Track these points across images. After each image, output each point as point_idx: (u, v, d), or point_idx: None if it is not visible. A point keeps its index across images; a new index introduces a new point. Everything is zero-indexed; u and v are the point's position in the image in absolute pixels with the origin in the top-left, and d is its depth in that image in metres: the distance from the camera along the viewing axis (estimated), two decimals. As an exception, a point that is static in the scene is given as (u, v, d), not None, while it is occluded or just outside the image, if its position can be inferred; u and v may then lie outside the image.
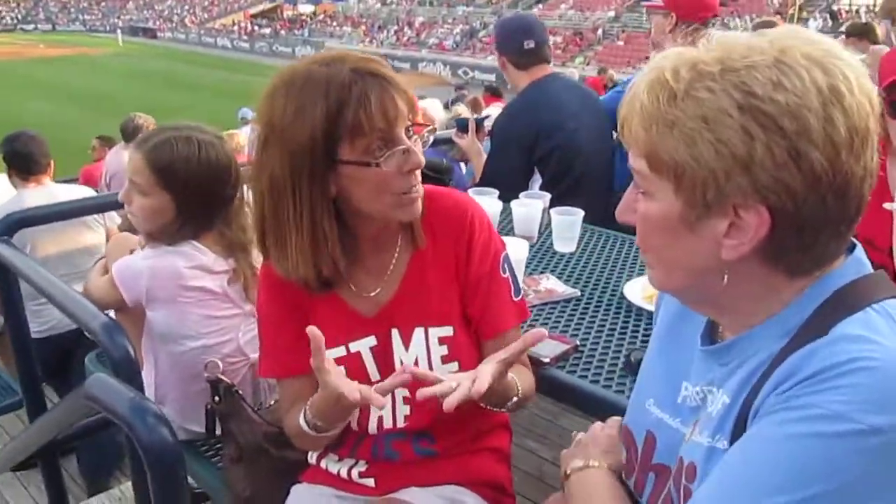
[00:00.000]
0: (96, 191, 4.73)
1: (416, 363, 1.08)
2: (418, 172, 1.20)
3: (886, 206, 1.59)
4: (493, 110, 4.40)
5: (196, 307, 1.69)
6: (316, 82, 1.12)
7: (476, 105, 7.14)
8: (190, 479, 1.65)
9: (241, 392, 1.60)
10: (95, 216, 3.35)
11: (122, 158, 5.12)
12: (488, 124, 3.04)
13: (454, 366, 1.27)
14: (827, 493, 0.68)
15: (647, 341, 1.56)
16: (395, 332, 1.29)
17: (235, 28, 56.87)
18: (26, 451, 2.27)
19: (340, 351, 1.28)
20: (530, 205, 2.19)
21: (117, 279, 1.68)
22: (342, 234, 1.21)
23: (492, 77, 24.69)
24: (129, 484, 2.65)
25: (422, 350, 1.28)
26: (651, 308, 1.69)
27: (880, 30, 4.18)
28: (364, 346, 1.29)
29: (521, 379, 1.25)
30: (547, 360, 1.47)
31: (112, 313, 1.71)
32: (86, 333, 1.67)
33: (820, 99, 0.71)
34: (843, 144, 0.72)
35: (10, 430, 3.41)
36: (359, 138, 1.12)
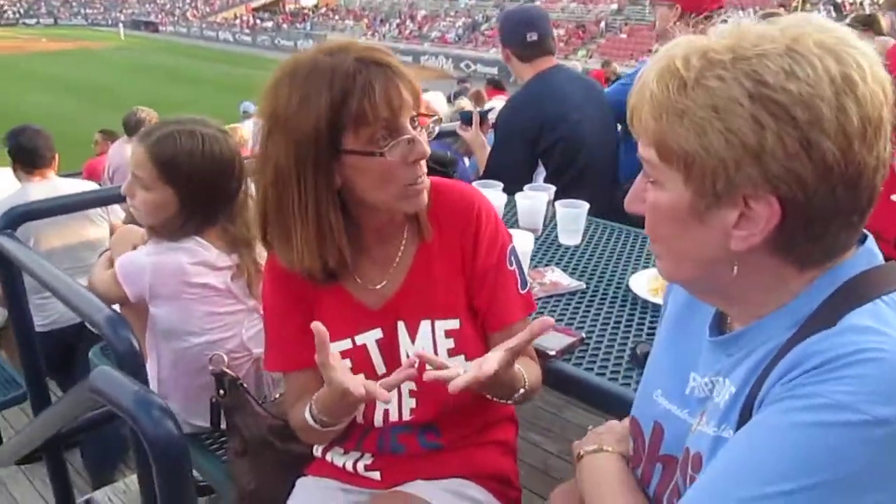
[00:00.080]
0: (99, 185, 4.73)
1: (422, 364, 1.08)
2: (424, 163, 1.19)
3: (894, 197, 1.58)
4: (497, 103, 4.38)
5: (199, 304, 1.68)
6: (320, 72, 1.11)
7: (479, 98, 7.12)
8: (194, 472, 1.65)
9: (245, 385, 1.60)
10: (99, 211, 3.35)
11: (124, 152, 5.12)
12: (492, 117, 3.03)
13: (460, 359, 1.26)
14: (830, 483, 0.68)
15: (652, 334, 1.56)
16: (401, 325, 1.29)
17: (237, 22, 56.85)
18: (31, 444, 2.27)
19: (346, 343, 1.28)
20: (535, 197, 2.18)
21: (120, 275, 1.67)
22: (347, 226, 1.20)
23: (494, 70, 24.66)
24: (134, 477, 2.65)
25: (428, 343, 1.28)
26: (656, 301, 1.68)
27: (885, 21, 4.16)
28: (370, 338, 1.29)
29: (528, 371, 1.25)
30: (553, 352, 1.47)
31: (117, 306, 1.71)
32: (89, 327, 1.67)
33: (833, 88, 0.70)
34: (856, 134, 0.71)
35: (14, 424, 3.41)
36: (363, 128, 1.12)
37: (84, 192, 3.11)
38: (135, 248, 1.76)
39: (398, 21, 47.02)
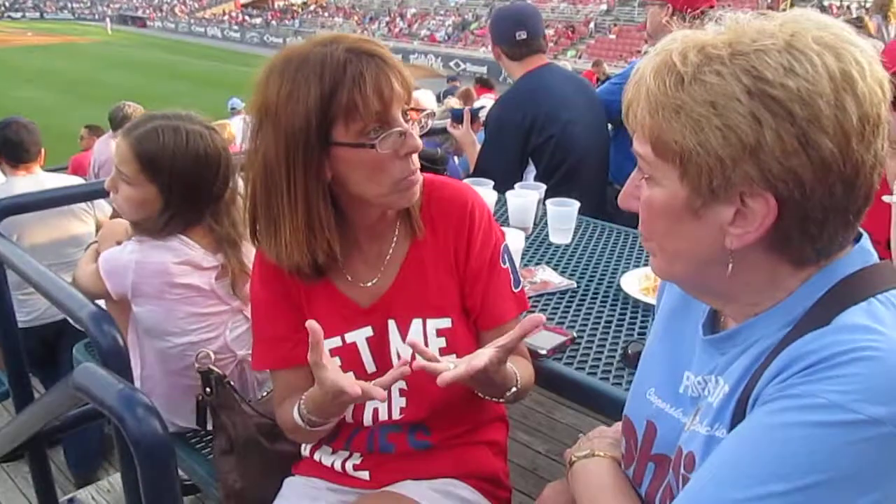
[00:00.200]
0: (85, 180, 4.68)
1: (412, 356, 1.06)
2: (416, 157, 1.17)
3: (885, 198, 1.58)
4: (486, 101, 4.37)
5: (183, 304, 1.65)
6: (311, 63, 1.10)
7: (468, 97, 7.10)
8: (180, 471, 1.63)
9: (232, 383, 1.58)
10: (84, 206, 3.31)
11: (110, 147, 5.06)
12: (482, 115, 3.02)
13: (452, 358, 1.25)
14: (824, 483, 0.67)
15: (643, 333, 1.56)
16: (391, 323, 1.27)
17: (226, 18, 56.52)
18: (13, 442, 2.24)
19: (336, 341, 1.26)
20: (526, 196, 2.18)
21: (103, 271, 1.64)
22: (338, 222, 1.18)
23: (483, 69, 24.66)
24: (119, 475, 2.62)
25: (419, 341, 1.26)
26: (648, 300, 1.68)
27: (872, 25, 4.20)
28: (360, 336, 1.27)
29: (521, 370, 1.23)
30: (544, 351, 1.46)
31: (102, 302, 1.68)
32: (72, 322, 1.64)
33: (832, 85, 0.69)
34: (854, 132, 0.70)
35: (-4, 421, 3.37)
36: (354, 119, 1.10)
37: (69, 187, 3.07)
38: (119, 243, 1.73)
39: (388, 19, 46.92)
